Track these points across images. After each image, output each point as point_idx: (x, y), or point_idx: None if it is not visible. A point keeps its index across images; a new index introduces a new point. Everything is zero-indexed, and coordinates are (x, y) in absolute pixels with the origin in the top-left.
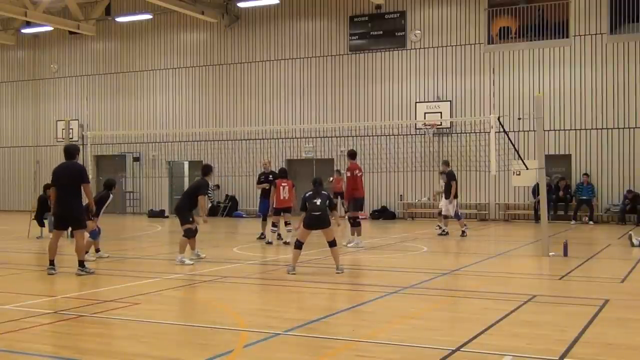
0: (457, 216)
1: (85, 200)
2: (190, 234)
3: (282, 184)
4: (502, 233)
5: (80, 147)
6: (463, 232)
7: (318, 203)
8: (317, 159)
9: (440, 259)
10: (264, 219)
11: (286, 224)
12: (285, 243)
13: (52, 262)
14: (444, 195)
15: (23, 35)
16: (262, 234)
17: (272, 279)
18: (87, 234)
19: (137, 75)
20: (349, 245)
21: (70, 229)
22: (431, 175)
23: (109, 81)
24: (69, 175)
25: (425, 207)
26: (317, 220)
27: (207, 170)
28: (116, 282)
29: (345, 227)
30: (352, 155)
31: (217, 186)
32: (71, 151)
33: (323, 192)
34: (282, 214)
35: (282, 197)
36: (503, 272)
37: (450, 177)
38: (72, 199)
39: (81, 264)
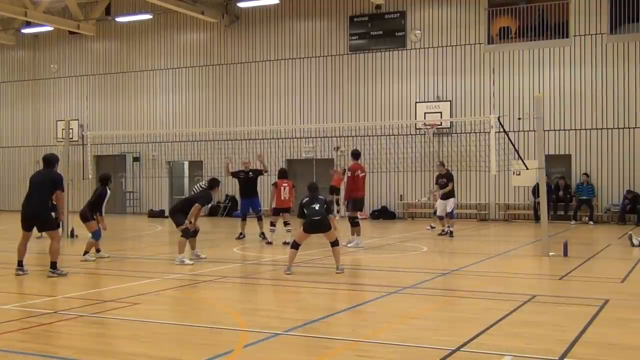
0: (450, 215)
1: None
2: (187, 234)
3: (283, 185)
4: (502, 233)
5: (80, 147)
6: (451, 232)
7: (317, 208)
8: (317, 159)
9: (440, 259)
10: (244, 219)
11: (285, 224)
12: (285, 243)
13: (20, 263)
14: (440, 196)
15: (23, 35)
16: (241, 233)
17: (272, 279)
18: (89, 234)
19: (137, 75)
20: (349, 245)
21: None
22: (431, 175)
23: (109, 81)
24: (43, 183)
25: (425, 207)
26: (317, 225)
27: (213, 183)
28: (116, 282)
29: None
30: (355, 155)
31: (233, 197)
32: (50, 160)
33: (320, 197)
34: (280, 214)
35: (282, 198)
36: (503, 272)
37: (450, 178)
38: (40, 203)
39: (53, 265)
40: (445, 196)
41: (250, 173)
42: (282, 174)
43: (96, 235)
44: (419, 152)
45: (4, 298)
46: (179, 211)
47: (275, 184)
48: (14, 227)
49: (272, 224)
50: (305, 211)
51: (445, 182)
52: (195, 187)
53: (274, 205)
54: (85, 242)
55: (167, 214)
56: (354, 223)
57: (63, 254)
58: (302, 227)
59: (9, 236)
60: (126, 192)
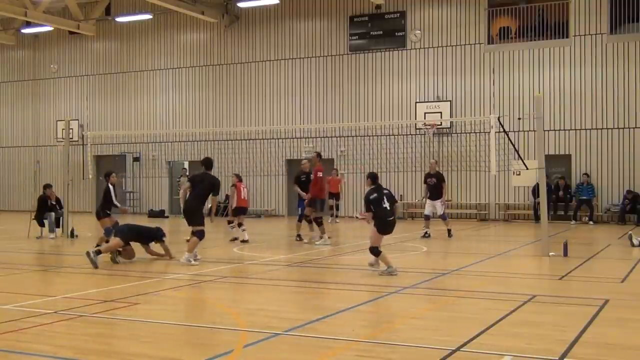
0: (443, 217)
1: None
2: (202, 236)
3: (242, 186)
4: (502, 233)
5: (80, 147)
6: (449, 231)
7: (389, 208)
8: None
9: (440, 259)
10: (300, 220)
11: (239, 224)
12: (244, 241)
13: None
14: (429, 196)
15: (23, 35)
16: (299, 235)
17: (272, 279)
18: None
19: (137, 75)
20: (317, 243)
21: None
22: None
23: (109, 81)
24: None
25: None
26: (391, 227)
27: (209, 163)
28: (116, 282)
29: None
30: (320, 156)
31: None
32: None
33: (385, 190)
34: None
35: (242, 197)
36: (503, 272)
37: (441, 178)
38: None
39: (99, 252)
40: (435, 197)
41: (311, 176)
42: (240, 178)
43: (107, 232)
44: (419, 152)
45: (4, 298)
46: (199, 209)
47: (235, 186)
48: (14, 227)
49: (240, 224)
50: (373, 208)
51: (434, 181)
52: (180, 181)
53: (236, 205)
54: (84, 242)
55: (167, 214)
56: (320, 222)
57: (63, 253)
58: (376, 229)
59: (9, 236)
60: (126, 192)
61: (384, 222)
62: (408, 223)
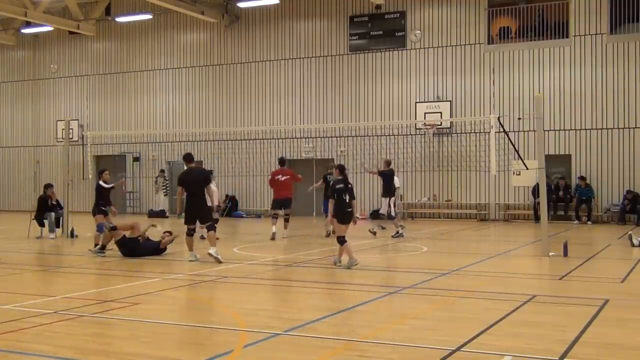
0: (390, 216)
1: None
2: (215, 228)
3: None
4: (502, 233)
5: (80, 147)
6: (375, 231)
7: (348, 200)
8: (317, 159)
9: (440, 259)
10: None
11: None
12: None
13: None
14: (383, 194)
15: (23, 35)
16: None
17: (272, 279)
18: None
19: (137, 75)
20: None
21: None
22: (431, 175)
23: (109, 81)
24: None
25: (425, 207)
26: (348, 217)
27: (192, 157)
28: (116, 282)
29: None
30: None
31: (233, 197)
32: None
33: (349, 184)
34: None
35: None
36: (503, 272)
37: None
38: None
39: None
40: (385, 194)
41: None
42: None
43: (99, 227)
44: (419, 152)
45: (4, 298)
46: (208, 207)
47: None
48: (14, 227)
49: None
50: (335, 196)
51: (386, 178)
52: (157, 183)
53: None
54: (84, 242)
55: (168, 214)
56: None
57: (63, 253)
58: (336, 220)
59: (9, 236)
60: (126, 192)
61: (342, 212)
62: (408, 223)
